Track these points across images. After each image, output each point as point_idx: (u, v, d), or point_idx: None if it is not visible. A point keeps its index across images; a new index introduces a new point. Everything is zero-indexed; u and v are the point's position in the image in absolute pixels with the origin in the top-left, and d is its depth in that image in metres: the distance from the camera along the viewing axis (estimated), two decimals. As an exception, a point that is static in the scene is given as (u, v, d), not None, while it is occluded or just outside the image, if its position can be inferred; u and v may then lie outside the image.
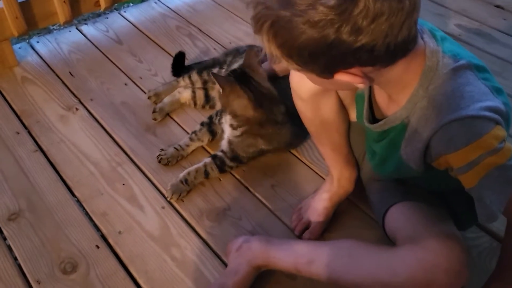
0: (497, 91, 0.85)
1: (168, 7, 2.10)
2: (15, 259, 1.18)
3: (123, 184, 1.35)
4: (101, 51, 1.85)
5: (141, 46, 1.88)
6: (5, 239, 1.22)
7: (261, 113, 1.32)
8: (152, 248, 1.20)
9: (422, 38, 0.84)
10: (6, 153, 1.44)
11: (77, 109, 1.59)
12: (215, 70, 1.55)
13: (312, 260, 1.01)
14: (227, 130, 1.39)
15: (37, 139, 1.49)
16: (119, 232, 1.23)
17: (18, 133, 1.51)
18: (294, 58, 0.76)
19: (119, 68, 1.77)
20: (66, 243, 1.21)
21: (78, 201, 1.32)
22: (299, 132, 1.39)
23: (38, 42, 1.89)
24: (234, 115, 1.34)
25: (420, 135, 0.86)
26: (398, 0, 0.69)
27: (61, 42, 1.89)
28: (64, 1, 1.72)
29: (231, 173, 1.38)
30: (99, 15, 2.06)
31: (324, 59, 0.75)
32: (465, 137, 0.80)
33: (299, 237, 1.21)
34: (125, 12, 2.07)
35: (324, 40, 0.70)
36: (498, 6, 2.11)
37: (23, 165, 1.40)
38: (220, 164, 1.35)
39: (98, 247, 1.20)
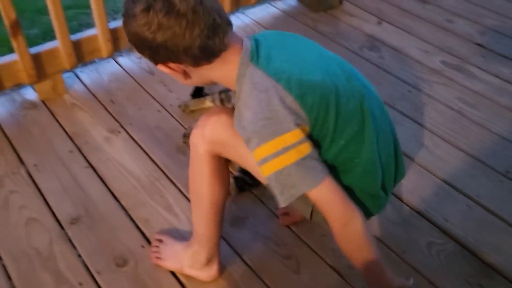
0: None
1: (191, 41, 2.41)
2: (79, 255, 1.49)
3: (161, 196, 1.66)
4: (136, 81, 2.15)
5: (170, 76, 2.15)
6: (69, 239, 1.53)
7: None
8: (186, 248, 1.50)
9: (242, 46, 1.07)
10: (63, 169, 1.74)
11: (119, 132, 1.90)
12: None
13: None
14: None
15: (87, 157, 1.79)
16: (159, 235, 1.54)
17: (71, 151, 1.81)
18: (133, 46, 1.06)
19: (152, 97, 2.07)
20: (118, 243, 1.51)
21: (124, 209, 1.62)
22: None
23: (82, 72, 2.19)
24: None
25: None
26: (175, 18, 0.97)
27: (101, 72, 2.19)
28: (108, 39, 2.03)
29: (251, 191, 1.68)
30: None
31: (147, 52, 1.05)
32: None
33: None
34: (154, 45, 2.38)
35: (138, 36, 1.01)
36: (478, 44, 2.41)
37: (77, 179, 1.70)
38: (241, 185, 1.64)
39: (143, 246, 1.50)
